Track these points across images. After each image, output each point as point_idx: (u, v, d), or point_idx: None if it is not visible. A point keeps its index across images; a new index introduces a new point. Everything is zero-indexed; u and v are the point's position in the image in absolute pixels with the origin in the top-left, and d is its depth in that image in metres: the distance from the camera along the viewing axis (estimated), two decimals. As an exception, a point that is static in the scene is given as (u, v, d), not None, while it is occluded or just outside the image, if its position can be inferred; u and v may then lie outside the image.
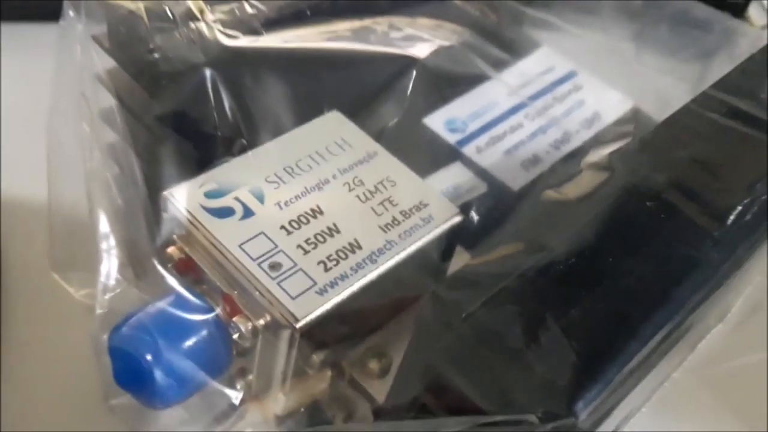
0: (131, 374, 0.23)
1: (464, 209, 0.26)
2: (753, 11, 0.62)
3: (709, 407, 0.42)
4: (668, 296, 0.22)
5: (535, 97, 0.33)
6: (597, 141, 0.31)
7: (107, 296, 0.24)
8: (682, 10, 0.34)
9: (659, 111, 0.33)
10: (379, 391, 0.24)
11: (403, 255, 0.24)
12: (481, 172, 0.30)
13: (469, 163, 0.30)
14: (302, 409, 0.25)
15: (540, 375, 0.19)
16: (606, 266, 0.22)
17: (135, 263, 0.24)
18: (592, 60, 0.35)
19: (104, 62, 0.27)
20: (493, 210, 0.27)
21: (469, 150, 0.30)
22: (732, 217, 0.24)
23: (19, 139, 0.45)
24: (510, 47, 0.33)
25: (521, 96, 0.32)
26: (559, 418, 0.19)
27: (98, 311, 0.24)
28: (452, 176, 0.29)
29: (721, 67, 0.31)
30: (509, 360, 0.20)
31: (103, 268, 0.24)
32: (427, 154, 0.29)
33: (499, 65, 0.32)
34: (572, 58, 0.35)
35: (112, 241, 0.24)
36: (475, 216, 0.27)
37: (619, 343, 0.20)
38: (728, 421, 0.41)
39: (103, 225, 0.24)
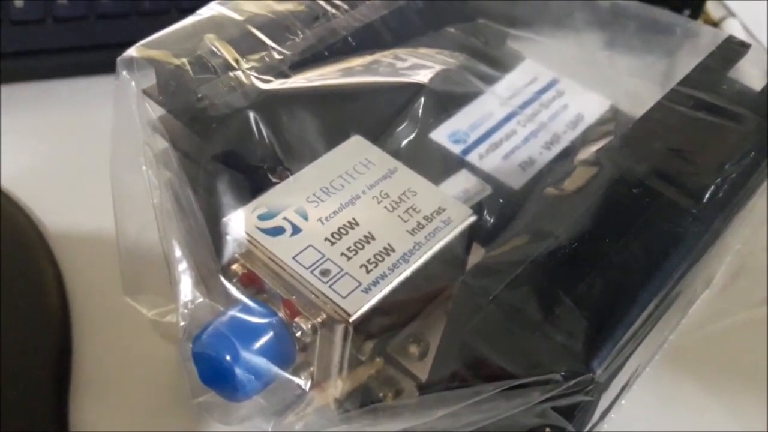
0: (215, 374, 0.25)
1: (475, 209, 0.29)
2: (711, 6, 0.64)
3: (704, 362, 0.44)
4: (659, 267, 0.24)
5: (524, 105, 0.35)
6: (584, 140, 0.33)
7: (187, 310, 0.27)
8: (646, 17, 0.36)
9: (634, 108, 0.35)
10: (421, 370, 0.27)
11: (430, 254, 0.27)
12: (485, 176, 0.32)
13: (473, 169, 0.32)
14: (357, 392, 0.28)
15: (559, 341, 0.22)
16: (603, 246, 0.24)
17: (205, 281, 0.27)
18: (571, 68, 0.37)
19: (155, 111, 0.29)
20: (500, 208, 0.30)
21: (472, 157, 0.33)
22: (707, 196, 0.27)
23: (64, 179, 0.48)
24: (498, 64, 0.35)
25: (512, 105, 0.35)
26: (579, 375, 0.22)
27: (181, 323, 0.27)
28: (461, 182, 0.31)
29: (685, 65, 0.34)
30: (532, 331, 0.23)
31: (182, 288, 0.27)
32: (438, 165, 0.32)
33: (491, 80, 0.35)
34: (553, 68, 0.37)
35: (185, 264, 0.27)
36: (486, 215, 0.30)
37: (622, 308, 0.23)
38: (724, 375, 0.44)
39: (177, 251, 0.27)
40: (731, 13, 0.65)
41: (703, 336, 0.43)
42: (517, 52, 0.37)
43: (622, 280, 0.24)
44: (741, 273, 0.43)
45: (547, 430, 0.24)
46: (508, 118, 0.34)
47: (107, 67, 0.53)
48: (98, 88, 0.52)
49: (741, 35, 0.60)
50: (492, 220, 0.30)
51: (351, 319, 0.25)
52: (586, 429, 0.25)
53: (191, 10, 0.53)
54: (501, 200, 0.31)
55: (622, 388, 0.30)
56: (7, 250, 0.44)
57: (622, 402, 0.37)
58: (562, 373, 0.22)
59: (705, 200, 0.26)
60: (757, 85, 0.32)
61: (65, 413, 0.38)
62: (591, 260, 0.24)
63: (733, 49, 0.33)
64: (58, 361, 0.40)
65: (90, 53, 0.54)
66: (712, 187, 0.27)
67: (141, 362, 0.40)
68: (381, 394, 0.28)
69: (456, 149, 0.33)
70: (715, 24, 0.64)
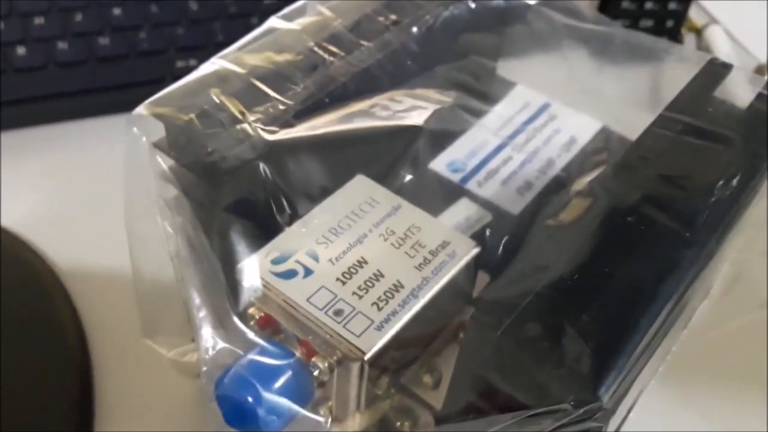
0: (238, 415, 0.26)
1: (476, 236, 0.30)
2: (694, 13, 0.65)
3: (708, 368, 0.46)
4: (657, 292, 0.25)
5: (518, 131, 0.36)
6: (579, 165, 0.34)
7: (208, 356, 0.28)
8: (630, 41, 0.37)
9: (623, 128, 0.37)
10: (435, 399, 0.28)
11: (437, 288, 0.28)
12: (484, 203, 0.32)
13: (473, 197, 0.33)
14: (375, 424, 0.29)
15: (566, 371, 0.23)
16: (603, 276, 0.25)
17: (223, 323, 0.28)
18: (562, 92, 0.38)
19: (166, 162, 0.30)
20: (501, 234, 0.31)
21: (471, 185, 0.33)
22: (699, 219, 0.28)
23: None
24: (490, 96, 0.37)
25: (507, 132, 0.35)
26: (587, 403, 0.23)
27: (203, 368, 0.28)
28: (462, 210, 0.32)
29: (669, 86, 0.35)
30: (540, 362, 0.23)
31: (203, 334, 0.28)
32: (439, 194, 0.33)
33: (484, 113, 0.36)
34: (545, 92, 0.38)
35: (204, 311, 0.28)
36: (487, 242, 0.31)
37: (625, 335, 0.24)
38: (728, 379, 0.45)
39: (196, 299, 0.28)
40: (714, 20, 0.66)
41: (706, 342, 0.44)
42: (508, 81, 0.38)
43: (623, 307, 0.25)
44: (739, 279, 0.44)
45: (560, 455, 0.25)
46: (503, 145, 0.35)
47: (109, 108, 0.55)
48: (101, 129, 0.55)
49: (724, 41, 0.62)
50: (493, 247, 0.30)
51: (366, 357, 0.26)
52: None
53: (189, 49, 0.55)
54: (501, 226, 0.31)
55: (629, 409, 0.31)
56: (24, 293, 0.46)
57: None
58: (571, 403, 0.22)
59: (697, 224, 0.27)
60: (742, 103, 0.33)
61: None
62: (592, 290, 0.25)
63: (715, 71, 0.34)
64: (80, 398, 0.42)
65: (92, 96, 0.56)
66: (704, 210, 0.28)
67: (160, 398, 0.41)
68: (398, 424, 0.29)
69: (455, 178, 0.34)
70: (699, 30, 0.65)
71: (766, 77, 0.34)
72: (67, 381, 0.42)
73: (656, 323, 0.25)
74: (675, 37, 0.62)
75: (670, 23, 0.59)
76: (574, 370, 0.23)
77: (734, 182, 0.29)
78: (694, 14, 0.67)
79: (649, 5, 0.58)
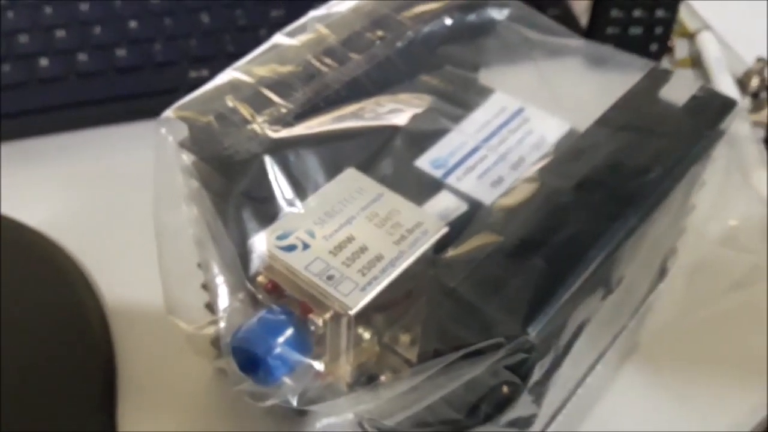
0: (250, 363, 0.36)
1: (453, 223, 0.40)
2: (687, 19, 0.75)
3: (679, 353, 0.55)
4: (582, 255, 0.35)
5: (494, 133, 0.44)
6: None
7: (225, 314, 0.38)
8: (592, 53, 0.47)
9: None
10: (412, 354, 0.37)
11: (412, 259, 0.37)
12: (462, 195, 0.41)
13: (452, 190, 0.41)
14: (363, 375, 0.39)
15: (504, 314, 0.33)
16: (540, 242, 0.35)
17: (236, 291, 0.39)
18: (535, 98, 0.46)
19: (189, 159, 0.40)
20: (470, 220, 0.41)
21: (451, 180, 0.42)
22: (624, 199, 0.37)
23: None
24: (465, 102, 0.45)
25: (484, 133, 0.44)
26: (518, 337, 0.32)
27: (221, 324, 0.38)
28: (442, 200, 0.41)
29: (624, 89, 0.44)
30: (486, 307, 0.33)
31: (221, 297, 0.38)
32: (423, 187, 0.41)
33: (458, 116, 0.45)
34: (520, 98, 0.46)
35: (221, 279, 0.39)
36: (457, 225, 0.40)
37: (553, 288, 0.33)
38: (699, 364, 0.54)
39: (215, 270, 0.39)
40: (707, 26, 0.76)
41: (675, 329, 0.53)
42: (487, 87, 0.48)
43: (554, 267, 0.34)
44: (700, 269, 0.54)
45: (504, 387, 0.35)
46: (480, 145, 0.44)
47: (127, 116, 0.64)
48: (119, 135, 0.64)
49: (714, 46, 0.71)
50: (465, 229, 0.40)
51: (352, 312, 0.35)
52: (532, 381, 0.35)
53: (201, 60, 0.65)
54: (474, 214, 0.41)
55: (588, 370, 0.41)
56: (52, 287, 0.54)
57: (608, 395, 0.48)
58: (505, 336, 0.32)
59: (621, 203, 0.37)
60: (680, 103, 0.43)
61: (114, 427, 0.49)
62: (531, 253, 0.35)
63: (657, 77, 0.43)
64: (104, 381, 0.50)
65: (110, 104, 0.65)
66: (628, 192, 0.37)
67: (177, 378, 0.51)
68: (382, 377, 0.39)
69: (437, 173, 0.42)
70: (692, 36, 0.75)
71: (700, 83, 0.43)
72: (92, 363, 0.51)
73: (581, 278, 0.34)
74: (665, 43, 0.71)
75: (659, 30, 0.69)
76: (511, 313, 0.33)
77: (658, 170, 0.38)
78: (687, 20, 0.77)
79: (637, 13, 0.68)
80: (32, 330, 0.52)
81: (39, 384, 0.49)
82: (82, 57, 0.66)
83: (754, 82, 0.71)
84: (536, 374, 0.34)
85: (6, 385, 0.48)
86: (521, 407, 0.35)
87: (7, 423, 0.46)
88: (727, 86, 0.70)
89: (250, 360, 0.36)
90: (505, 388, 0.34)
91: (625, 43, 0.69)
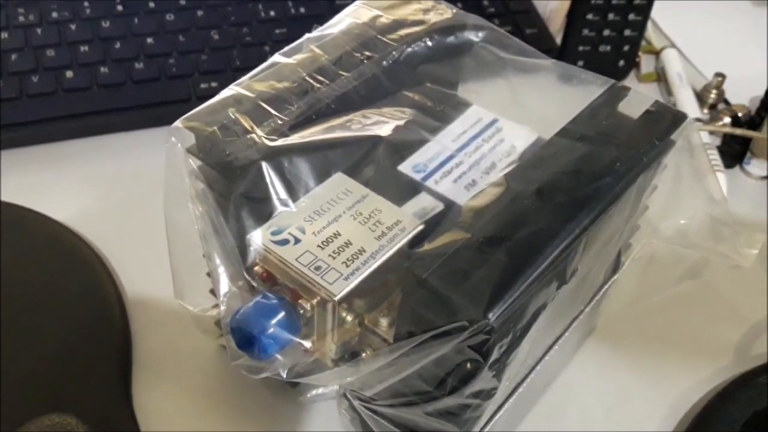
0: (246, 341, 0.38)
1: (428, 222, 0.42)
2: (654, 38, 0.77)
3: (634, 335, 0.58)
4: (540, 250, 0.37)
5: (469, 141, 0.46)
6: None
7: (225, 299, 0.41)
8: (559, 72, 0.49)
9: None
10: (390, 335, 0.39)
11: (390, 252, 0.40)
12: (439, 196, 0.43)
13: (430, 192, 0.43)
14: (346, 352, 0.42)
15: (468, 300, 0.35)
16: (504, 238, 0.37)
17: (235, 280, 0.41)
18: (507, 111, 0.48)
19: (195, 164, 0.43)
20: (444, 219, 0.43)
21: (430, 183, 0.43)
22: (578, 202, 0.40)
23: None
24: (443, 115, 0.47)
25: (461, 142, 0.46)
26: (478, 321, 0.35)
27: (222, 307, 0.41)
28: (421, 201, 0.43)
29: (586, 104, 0.47)
30: (452, 295, 0.35)
31: (222, 284, 0.41)
32: (404, 189, 0.43)
33: (437, 128, 0.47)
34: (494, 111, 0.48)
35: (223, 269, 0.41)
36: (432, 223, 0.43)
37: (513, 279, 0.36)
38: (651, 345, 0.57)
39: (217, 260, 0.41)
40: (671, 44, 0.78)
41: (629, 313, 0.57)
42: (465, 101, 0.50)
43: (515, 260, 0.37)
44: (653, 261, 0.56)
45: (468, 364, 0.37)
46: (457, 152, 0.46)
47: (143, 123, 0.67)
48: (136, 140, 0.66)
49: (677, 62, 0.74)
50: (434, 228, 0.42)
51: (336, 299, 0.38)
52: (492, 359, 0.38)
53: (211, 73, 0.67)
54: (448, 213, 0.44)
55: (547, 349, 0.43)
56: (76, 274, 0.57)
57: (568, 371, 0.50)
58: (467, 320, 0.35)
59: (575, 205, 0.40)
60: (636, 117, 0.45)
61: (130, 397, 0.52)
62: (495, 248, 0.37)
63: (616, 92, 0.46)
64: (121, 357, 0.53)
65: (128, 112, 0.67)
66: (581, 196, 0.40)
67: (185, 354, 0.54)
68: (363, 354, 0.41)
69: (417, 177, 0.44)
70: (657, 53, 0.77)
71: (655, 98, 0.46)
72: (109, 341, 0.54)
73: (539, 270, 0.37)
74: (632, 59, 0.74)
75: (626, 48, 0.72)
76: (474, 300, 0.35)
77: (612, 175, 0.41)
78: (654, 38, 0.79)
79: (606, 32, 0.70)
80: (58, 311, 0.55)
81: (64, 360, 0.52)
82: (103, 70, 0.69)
83: (713, 96, 0.73)
84: (496, 353, 0.37)
85: (36, 359, 0.52)
86: (483, 381, 0.37)
87: (35, 392, 0.50)
88: (688, 99, 0.72)
89: (247, 338, 0.39)
90: (468, 365, 0.37)
91: (595, 59, 0.72)
